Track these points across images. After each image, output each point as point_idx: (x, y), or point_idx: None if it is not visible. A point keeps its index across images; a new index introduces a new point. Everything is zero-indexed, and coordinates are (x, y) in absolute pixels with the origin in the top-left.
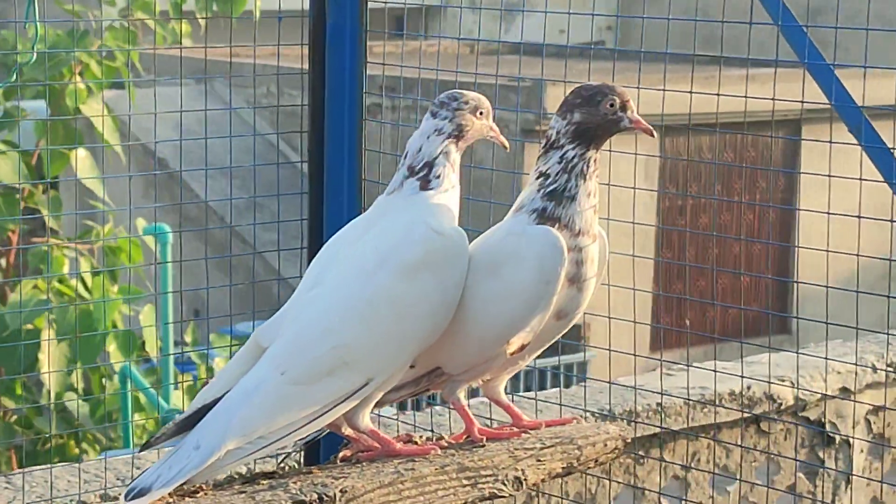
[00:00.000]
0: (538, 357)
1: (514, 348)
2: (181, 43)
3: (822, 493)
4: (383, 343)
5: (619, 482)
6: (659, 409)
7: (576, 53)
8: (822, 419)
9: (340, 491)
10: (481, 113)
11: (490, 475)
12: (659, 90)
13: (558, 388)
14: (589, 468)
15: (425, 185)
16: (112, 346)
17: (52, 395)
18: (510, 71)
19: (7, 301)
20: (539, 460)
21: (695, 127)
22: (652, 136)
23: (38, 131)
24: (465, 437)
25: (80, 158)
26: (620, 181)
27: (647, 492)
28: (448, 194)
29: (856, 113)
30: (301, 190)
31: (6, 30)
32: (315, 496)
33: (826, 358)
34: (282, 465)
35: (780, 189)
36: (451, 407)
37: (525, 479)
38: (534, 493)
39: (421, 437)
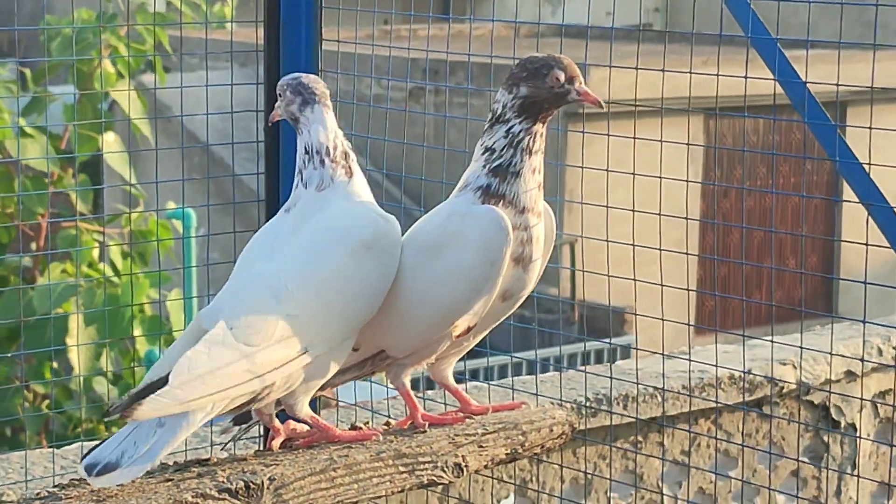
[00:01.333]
0: (589, 340)
1: (460, 331)
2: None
3: (827, 478)
4: (328, 317)
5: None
6: (657, 392)
7: (621, 36)
8: (827, 403)
9: (269, 479)
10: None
11: (429, 462)
12: (704, 74)
13: (558, 372)
14: (535, 454)
15: (349, 171)
16: (139, 331)
17: (81, 378)
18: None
19: (35, 285)
20: (481, 446)
21: (723, 112)
22: (601, 107)
23: (68, 115)
24: (409, 422)
25: (109, 143)
26: (665, 164)
27: (644, 477)
28: (363, 179)
29: (800, 88)
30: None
31: (50, 14)
32: (242, 484)
33: (830, 352)
34: (225, 449)
35: (826, 171)
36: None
37: (466, 466)
38: (528, 479)
39: (366, 423)
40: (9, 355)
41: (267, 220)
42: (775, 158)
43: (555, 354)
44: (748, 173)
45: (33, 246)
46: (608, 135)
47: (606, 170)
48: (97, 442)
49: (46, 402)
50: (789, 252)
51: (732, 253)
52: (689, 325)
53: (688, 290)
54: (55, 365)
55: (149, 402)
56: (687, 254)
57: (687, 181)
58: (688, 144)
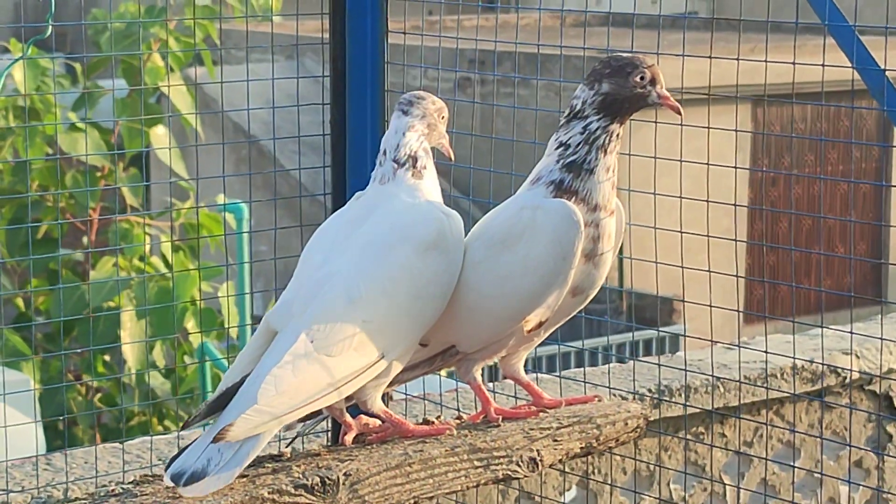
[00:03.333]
0: (637, 330)
1: (532, 325)
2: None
3: (890, 468)
4: (400, 319)
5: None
6: (720, 383)
7: (668, 24)
8: (889, 392)
9: (344, 474)
10: (443, 118)
11: (503, 456)
12: (754, 60)
13: (607, 365)
14: (609, 448)
15: (418, 174)
16: (191, 323)
17: (133, 372)
18: (600, 43)
19: (88, 278)
20: (556, 440)
21: (771, 98)
22: (679, 114)
23: (119, 110)
24: (482, 416)
25: (159, 136)
26: (713, 150)
27: (706, 468)
28: (435, 185)
29: (878, 76)
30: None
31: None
32: (318, 479)
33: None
34: (289, 447)
35: (874, 158)
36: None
37: (541, 460)
38: (590, 471)
39: (438, 417)
40: (68, 352)
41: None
42: (823, 146)
43: (603, 344)
44: (796, 161)
45: (84, 240)
46: (656, 122)
47: (654, 157)
48: (166, 449)
49: (99, 395)
50: (838, 240)
51: (781, 242)
52: (738, 311)
53: (736, 276)
54: (107, 359)
55: (240, 423)
56: (735, 240)
57: (735, 167)
58: (735, 130)
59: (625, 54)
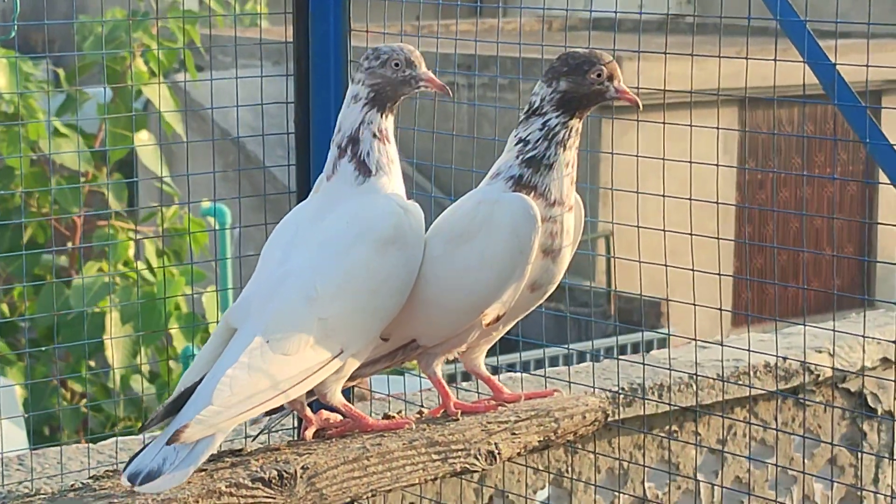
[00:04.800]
0: (623, 333)
1: (490, 319)
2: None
3: (865, 465)
4: (359, 315)
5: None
6: (692, 381)
7: (653, 28)
8: (863, 390)
9: (302, 468)
10: (397, 65)
11: (461, 449)
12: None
13: (591, 363)
14: (568, 441)
15: (365, 171)
16: (175, 328)
17: (118, 376)
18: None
19: (72, 284)
20: (514, 433)
21: (754, 97)
22: (638, 107)
23: (101, 114)
24: (441, 411)
25: (142, 141)
26: (699, 155)
27: (681, 466)
28: (392, 178)
29: (829, 71)
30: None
31: (84, 14)
32: (275, 473)
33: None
34: (258, 441)
35: (860, 160)
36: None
37: (499, 453)
38: (564, 469)
39: (400, 412)
40: (46, 348)
41: None
42: (809, 148)
43: (589, 348)
44: (783, 164)
45: (69, 245)
46: (638, 120)
47: (636, 156)
48: (137, 449)
49: (83, 400)
50: (825, 243)
51: (767, 243)
52: (722, 310)
53: (719, 274)
54: (92, 363)
55: (195, 424)
56: (720, 238)
57: (717, 165)
58: (717, 129)
59: (581, 51)
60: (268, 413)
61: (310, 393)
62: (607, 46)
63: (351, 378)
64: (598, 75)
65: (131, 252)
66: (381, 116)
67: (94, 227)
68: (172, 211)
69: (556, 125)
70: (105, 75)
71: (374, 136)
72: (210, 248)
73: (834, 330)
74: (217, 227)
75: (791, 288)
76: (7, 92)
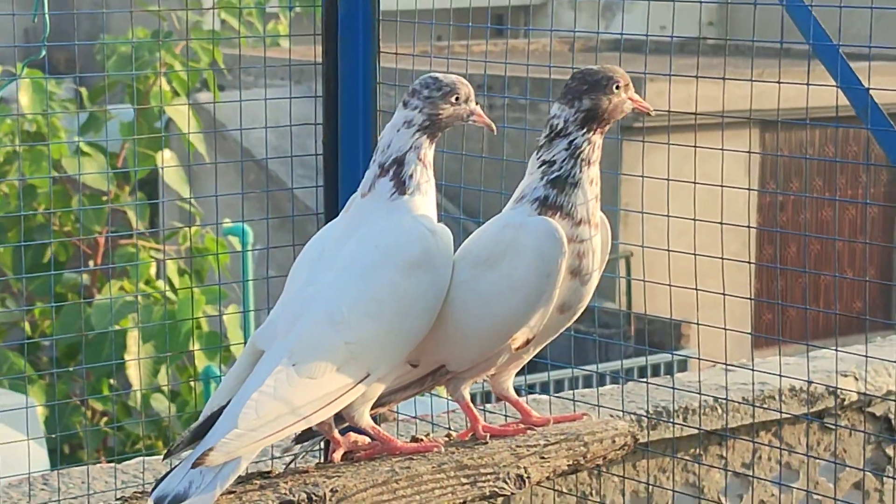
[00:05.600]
0: (643, 354)
1: (519, 343)
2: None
3: (891, 490)
4: (386, 338)
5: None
6: (718, 404)
7: (676, 50)
8: (889, 415)
9: (331, 490)
10: (457, 98)
11: (490, 473)
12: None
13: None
14: (597, 465)
15: (401, 188)
16: (196, 347)
17: (139, 394)
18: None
19: (94, 303)
20: (543, 457)
21: (782, 121)
22: (650, 114)
23: (124, 133)
24: (470, 434)
25: (165, 160)
26: (720, 175)
27: (705, 490)
28: (426, 199)
29: (862, 95)
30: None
31: (106, 33)
32: (304, 496)
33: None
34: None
35: (882, 183)
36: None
37: (528, 477)
38: (589, 492)
39: (428, 434)
40: (70, 369)
41: None
42: (831, 171)
43: (612, 369)
44: (804, 186)
45: (91, 263)
46: (664, 142)
47: (667, 179)
48: (162, 469)
49: (105, 419)
50: (846, 265)
51: (789, 266)
52: (750, 333)
53: (750, 298)
54: (113, 382)
55: (220, 447)
56: (745, 262)
57: (749, 189)
58: (748, 152)
59: (594, 67)
60: (297, 440)
61: (339, 417)
62: (632, 67)
63: (382, 404)
64: (617, 87)
65: (153, 271)
66: (430, 144)
67: (117, 245)
68: (194, 230)
69: (581, 143)
70: (134, 94)
71: (420, 160)
72: (231, 267)
73: (866, 356)
74: (240, 247)
75: (813, 310)
76: (32, 113)
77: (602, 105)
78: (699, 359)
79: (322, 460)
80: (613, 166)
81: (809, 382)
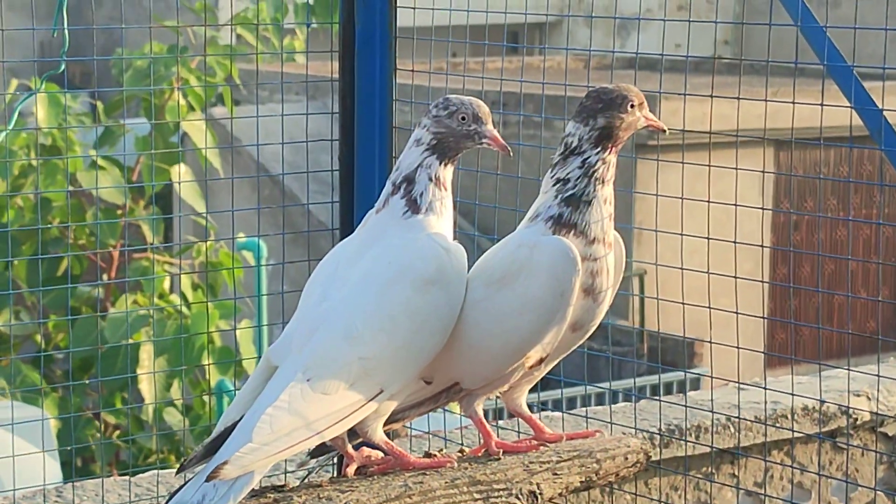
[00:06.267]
0: (656, 373)
1: (533, 362)
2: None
3: None
4: (399, 355)
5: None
6: (730, 422)
7: (691, 68)
8: None
9: None
10: (463, 118)
11: (503, 489)
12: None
13: (631, 403)
14: (610, 482)
15: (414, 207)
16: (209, 361)
17: (152, 408)
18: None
19: (107, 316)
20: (556, 474)
21: (796, 140)
22: (664, 132)
23: (139, 147)
24: (483, 450)
25: (181, 174)
26: (734, 194)
27: None
28: (441, 220)
29: (876, 116)
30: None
31: (121, 47)
32: None
33: None
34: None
35: None
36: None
37: (540, 494)
38: None
39: (441, 450)
40: (84, 382)
41: None
42: (846, 191)
43: (625, 386)
44: (819, 206)
45: (105, 277)
46: (677, 161)
47: (681, 197)
48: (175, 482)
49: (118, 432)
50: (860, 285)
51: (803, 286)
52: (761, 352)
53: (763, 318)
54: (126, 395)
55: (234, 461)
56: (757, 280)
57: (763, 209)
58: (763, 172)
59: (609, 86)
60: (312, 454)
61: (352, 432)
62: (646, 86)
63: (396, 420)
64: (632, 106)
65: (167, 285)
66: (441, 164)
67: (131, 259)
68: (209, 244)
69: (595, 161)
70: (151, 108)
71: (431, 179)
72: (245, 282)
73: (879, 375)
74: (254, 262)
75: (826, 330)
76: (48, 127)
77: (616, 124)
78: (711, 377)
79: (336, 475)
80: (628, 184)
81: (822, 402)
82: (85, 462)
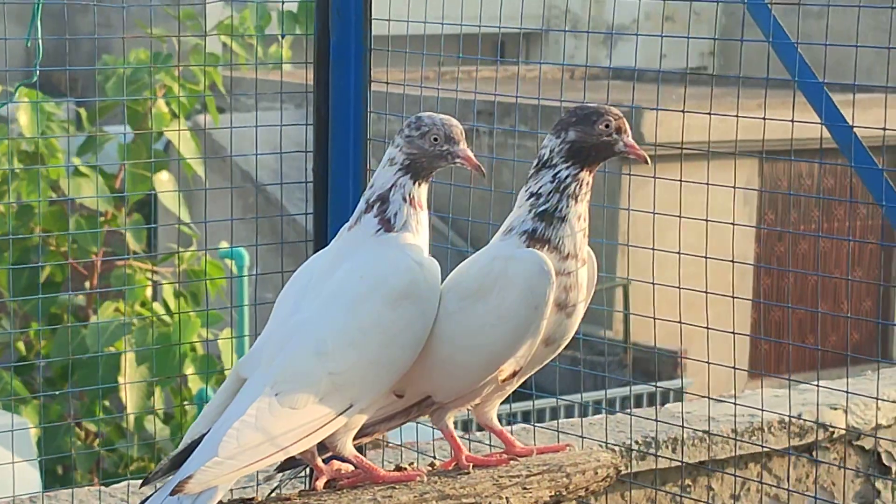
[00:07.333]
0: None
1: (506, 375)
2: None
3: None
4: (369, 370)
5: None
6: (706, 436)
7: (677, 79)
8: (877, 449)
9: None
10: (435, 139)
11: (472, 503)
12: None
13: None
14: (580, 497)
15: (388, 226)
16: (190, 370)
17: (132, 417)
18: (610, 97)
19: (89, 324)
20: (525, 488)
21: (771, 156)
22: (646, 162)
23: (121, 155)
24: (453, 464)
25: (163, 182)
26: (718, 206)
27: None
28: (417, 237)
29: (846, 132)
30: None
31: (108, 54)
32: None
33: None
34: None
35: (881, 214)
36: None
37: None
38: None
39: (411, 464)
40: (65, 391)
41: None
42: (829, 202)
43: (603, 398)
44: (802, 217)
45: (87, 285)
46: (656, 177)
47: (653, 213)
48: (147, 494)
49: (98, 440)
50: (843, 296)
51: (786, 297)
52: (736, 368)
53: (734, 332)
54: (107, 403)
55: (199, 475)
56: (735, 297)
57: (733, 224)
58: (734, 188)
59: (591, 103)
60: (280, 468)
61: (322, 445)
62: (628, 97)
63: (367, 433)
64: (607, 126)
65: (148, 293)
66: (414, 184)
67: (113, 266)
68: (190, 252)
69: (566, 177)
70: (130, 116)
71: (405, 199)
72: (227, 291)
73: (847, 392)
74: (235, 270)
75: (809, 341)
76: (29, 137)
77: (587, 139)
78: (683, 391)
79: (306, 487)
80: (612, 194)
81: (792, 417)
82: (66, 470)
